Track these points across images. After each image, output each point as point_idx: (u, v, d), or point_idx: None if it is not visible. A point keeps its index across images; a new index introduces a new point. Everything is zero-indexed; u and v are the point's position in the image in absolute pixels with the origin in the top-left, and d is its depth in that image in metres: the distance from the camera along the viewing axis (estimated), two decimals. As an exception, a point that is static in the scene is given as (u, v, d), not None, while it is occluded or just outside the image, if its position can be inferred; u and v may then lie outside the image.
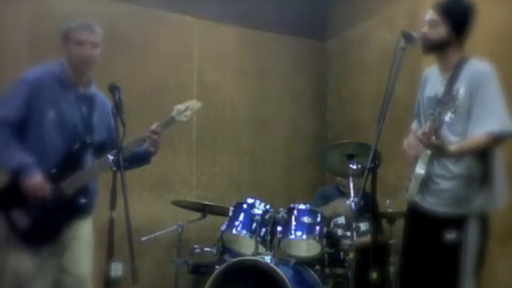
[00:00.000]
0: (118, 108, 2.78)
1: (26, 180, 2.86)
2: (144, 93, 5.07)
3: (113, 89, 2.82)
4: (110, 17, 5.03)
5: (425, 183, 2.88)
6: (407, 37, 2.85)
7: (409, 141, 3.00)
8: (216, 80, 5.58)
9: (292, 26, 5.99)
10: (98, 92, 3.18)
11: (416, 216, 2.95)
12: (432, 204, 2.88)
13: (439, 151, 2.76)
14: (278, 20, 5.90)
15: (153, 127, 3.09)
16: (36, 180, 2.87)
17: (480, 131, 2.73)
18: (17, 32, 4.73)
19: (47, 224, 2.92)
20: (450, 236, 2.76)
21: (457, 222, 2.78)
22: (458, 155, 2.78)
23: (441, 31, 2.87)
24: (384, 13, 5.39)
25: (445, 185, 2.84)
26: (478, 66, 2.84)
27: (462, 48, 2.92)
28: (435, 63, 3.01)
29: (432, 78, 3.00)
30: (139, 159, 3.22)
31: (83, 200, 3.01)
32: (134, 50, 5.18)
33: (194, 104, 3.20)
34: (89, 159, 3.08)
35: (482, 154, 2.81)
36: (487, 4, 4.20)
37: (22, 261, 2.87)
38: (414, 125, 3.17)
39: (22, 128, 2.96)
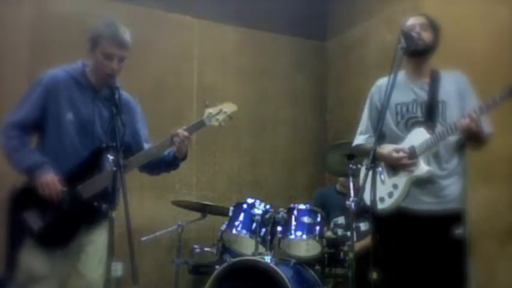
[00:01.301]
0: (118, 108, 2.77)
1: (39, 178, 2.80)
2: (143, 93, 5.05)
3: (113, 89, 2.81)
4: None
5: (419, 183, 2.91)
6: (407, 37, 2.85)
7: (400, 155, 2.99)
8: (215, 80, 5.58)
9: (292, 26, 5.99)
10: (125, 94, 3.05)
11: (405, 221, 2.94)
12: (432, 203, 2.90)
13: (479, 138, 2.84)
14: (278, 20, 5.90)
15: (180, 130, 3.01)
16: (49, 178, 2.80)
17: (484, 125, 2.85)
18: (17, 32, 4.73)
19: (61, 227, 2.85)
20: (459, 231, 2.85)
21: (459, 217, 2.88)
22: (484, 145, 2.90)
23: (430, 35, 3.00)
24: (384, 13, 5.39)
25: (443, 183, 2.91)
26: (457, 74, 3.03)
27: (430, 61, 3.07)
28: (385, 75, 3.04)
29: (400, 85, 2.96)
30: (167, 163, 3.15)
31: (102, 205, 2.90)
32: (134, 50, 5.15)
33: (229, 107, 3.12)
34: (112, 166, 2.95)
35: (465, 152, 2.99)
36: (487, 4, 4.21)
37: (34, 261, 2.84)
38: (362, 140, 3.16)
39: (40, 129, 2.93)
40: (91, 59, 2.98)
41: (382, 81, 3.12)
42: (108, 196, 2.87)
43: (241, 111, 5.68)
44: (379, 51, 5.28)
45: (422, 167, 2.90)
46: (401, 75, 3.02)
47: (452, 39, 4.27)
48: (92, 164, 2.92)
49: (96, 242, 2.95)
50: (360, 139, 3.20)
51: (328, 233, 4.07)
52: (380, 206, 2.97)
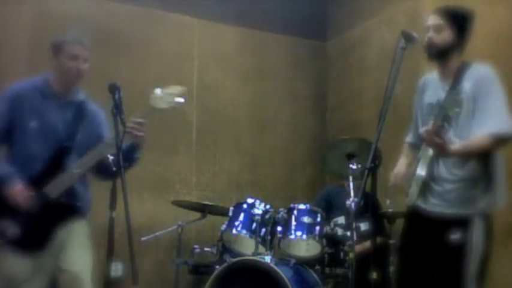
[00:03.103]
0: (118, 108, 2.78)
1: (8, 189, 2.94)
2: (144, 93, 5.04)
3: (112, 89, 2.82)
4: (110, 17, 5.04)
5: (428, 185, 2.88)
6: (408, 37, 2.84)
7: (398, 170, 3.00)
8: (216, 80, 5.58)
9: (292, 26, 5.99)
10: (89, 101, 3.25)
11: (418, 219, 2.94)
12: (436, 205, 2.87)
13: (441, 151, 2.74)
14: (278, 20, 5.90)
15: (134, 118, 3.05)
16: (17, 188, 2.95)
17: (483, 131, 2.74)
18: (17, 32, 4.72)
19: (36, 229, 2.97)
20: (455, 236, 2.75)
21: (462, 223, 2.78)
22: (460, 155, 2.78)
23: (447, 35, 2.88)
24: (384, 13, 5.39)
25: (449, 186, 2.85)
26: (480, 70, 2.85)
27: (462, 53, 2.93)
28: (434, 70, 3.01)
29: (432, 85, 3.00)
30: (125, 156, 3.19)
31: (71, 202, 3.06)
32: (134, 50, 5.18)
33: (176, 89, 3.17)
34: (74, 164, 3.10)
35: (485, 156, 2.82)
36: (487, 5, 4.21)
37: (15, 266, 2.95)
38: (408, 138, 3.18)
39: (8, 140, 3.07)
40: (53, 67, 3.15)
41: (422, 80, 3.08)
42: (76, 193, 3.08)
43: (241, 111, 5.76)
44: (379, 51, 5.28)
45: (416, 171, 2.89)
46: (435, 73, 3.00)
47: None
48: (54, 165, 3.04)
49: (74, 238, 3.08)
50: (408, 137, 3.19)
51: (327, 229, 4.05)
52: (406, 201, 3.01)
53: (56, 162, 3.04)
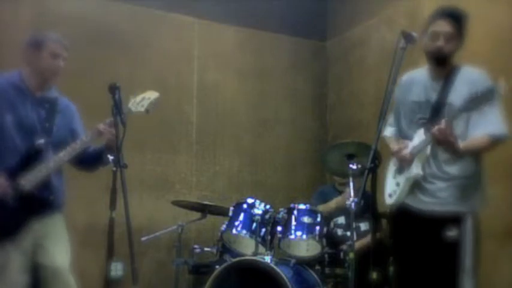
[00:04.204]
0: (118, 108, 2.78)
1: None
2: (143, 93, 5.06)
3: (112, 89, 2.83)
4: (110, 17, 5.04)
5: (418, 184, 2.91)
6: (407, 37, 2.85)
7: (400, 146, 3.00)
8: (216, 80, 5.58)
9: (292, 26, 5.99)
10: (61, 97, 3.30)
11: (407, 218, 2.95)
12: (428, 203, 2.90)
13: (451, 148, 2.78)
14: (278, 20, 5.90)
15: (108, 120, 3.06)
16: None
17: (481, 132, 2.82)
18: (17, 32, 4.72)
19: (7, 219, 2.98)
20: (451, 233, 2.81)
21: (455, 220, 2.84)
22: (465, 154, 2.84)
23: (455, 45, 2.92)
24: (383, 13, 5.39)
25: (441, 185, 2.90)
26: (474, 73, 2.92)
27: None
28: (419, 68, 3.04)
29: (419, 83, 3.01)
30: (93, 157, 3.26)
31: (45, 195, 3.10)
32: (134, 50, 5.17)
33: (151, 94, 3.20)
34: (50, 158, 3.14)
35: (474, 156, 2.92)
36: (487, 5, 4.21)
37: None
38: (389, 132, 3.18)
39: None
40: (30, 63, 3.18)
41: (406, 77, 3.10)
42: (51, 186, 3.12)
43: (241, 111, 5.76)
44: (379, 51, 5.28)
45: (412, 169, 2.90)
46: (424, 72, 3.02)
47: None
48: (29, 158, 3.07)
49: (51, 234, 3.11)
50: (388, 130, 3.20)
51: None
52: (389, 201, 3.04)
53: (31, 157, 3.07)
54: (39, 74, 3.17)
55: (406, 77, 3.11)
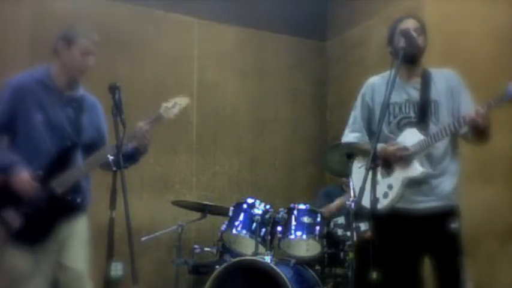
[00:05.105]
0: (118, 108, 2.78)
1: (13, 177, 2.91)
2: (144, 93, 5.07)
3: (112, 89, 2.81)
4: (110, 17, 5.04)
5: (410, 184, 2.92)
6: (407, 37, 2.86)
7: (398, 147, 3.00)
8: (216, 80, 5.58)
9: (292, 26, 5.99)
10: (87, 94, 3.23)
11: (400, 220, 2.94)
12: (424, 202, 2.91)
13: (487, 132, 2.80)
14: (278, 20, 5.90)
15: (141, 124, 3.07)
16: (23, 176, 2.91)
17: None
18: (17, 32, 4.73)
19: (39, 223, 2.95)
20: (455, 225, 2.87)
21: (452, 213, 2.91)
22: (487, 136, 2.86)
23: (424, 39, 3.00)
24: (384, 13, 5.39)
25: (434, 182, 2.92)
26: (447, 72, 3.03)
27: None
28: (382, 73, 3.07)
29: (393, 85, 2.97)
30: (127, 157, 3.19)
31: (75, 199, 3.06)
32: (134, 50, 5.18)
33: (182, 100, 3.17)
34: (79, 159, 3.11)
35: (456, 153, 2.99)
36: (487, 4, 4.21)
37: (17, 259, 2.93)
38: (355, 139, 3.17)
39: (10, 132, 3.04)
40: (60, 57, 3.09)
41: (374, 80, 3.13)
42: (80, 189, 3.07)
43: (241, 111, 5.76)
44: (379, 51, 5.26)
45: (416, 168, 2.90)
46: (391, 75, 3.01)
47: (452, 39, 4.27)
48: (61, 160, 3.02)
49: (75, 234, 3.08)
50: (351, 137, 3.19)
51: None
52: (380, 204, 2.97)
53: (62, 158, 3.03)
54: (68, 71, 3.09)
55: (371, 80, 3.15)
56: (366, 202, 2.68)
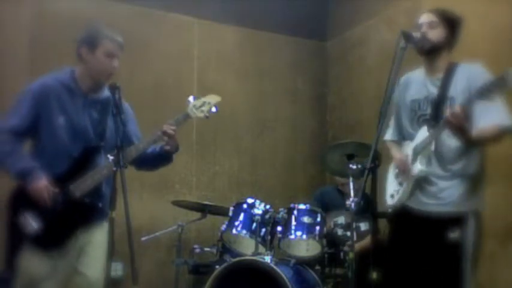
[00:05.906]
0: (118, 108, 2.78)
1: (31, 183, 2.86)
2: (144, 93, 5.07)
3: (113, 89, 2.82)
4: (110, 17, 5.03)
5: (420, 184, 2.90)
6: (408, 37, 2.85)
7: (400, 157, 3.00)
8: (216, 80, 5.58)
9: (292, 26, 5.99)
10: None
11: (409, 220, 2.94)
12: (429, 205, 2.88)
13: (463, 135, 2.73)
14: (278, 20, 5.90)
15: (167, 125, 3.03)
16: (41, 183, 2.86)
17: (489, 123, 2.76)
18: (17, 32, 4.73)
19: (57, 227, 2.90)
20: (453, 234, 2.78)
21: (458, 220, 2.81)
22: (475, 144, 2.80)
23: (440, 32, 2.93)
24: (383, 13, 5.39)
25: (443, 184, 2.86)
26: (472, 67, 2.90)
27: (450, 54, 2.98)
28: (417, 68, 3.05)
29: (416, 82, 3.02)
30: (157, 157, 3.19)
31: (96, 203, 3.00)
32: (134, 50, 5.16)
33: (212, 98, 3.14)
34: (102, 164, 3.04)
35: (476, 154, 2.88)
36: (487, 4, 4.21)
37: (33, 263, 2.88)
38: (389, 136, 3.18)
39: (33, 135, 3.00)
40: (85, 61, 3.02)
41: (404, 77, 3.10)
42: (101, 193, 3.00)
43: (241, 111, 5.76)
44: (379, 51, 5.28)
45: (415, 166, 2.88)
46: (420, 71, 3.03)
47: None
48: (82, 163, 2.97)
49: (95, 242, 3.00)
50: (389, 133, 3.20)
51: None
52: (390, 202, 3.03)
53: (84, 161, 2.98)
54: (94, 75, 3.02)
55: (404, 77, 3.11)
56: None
